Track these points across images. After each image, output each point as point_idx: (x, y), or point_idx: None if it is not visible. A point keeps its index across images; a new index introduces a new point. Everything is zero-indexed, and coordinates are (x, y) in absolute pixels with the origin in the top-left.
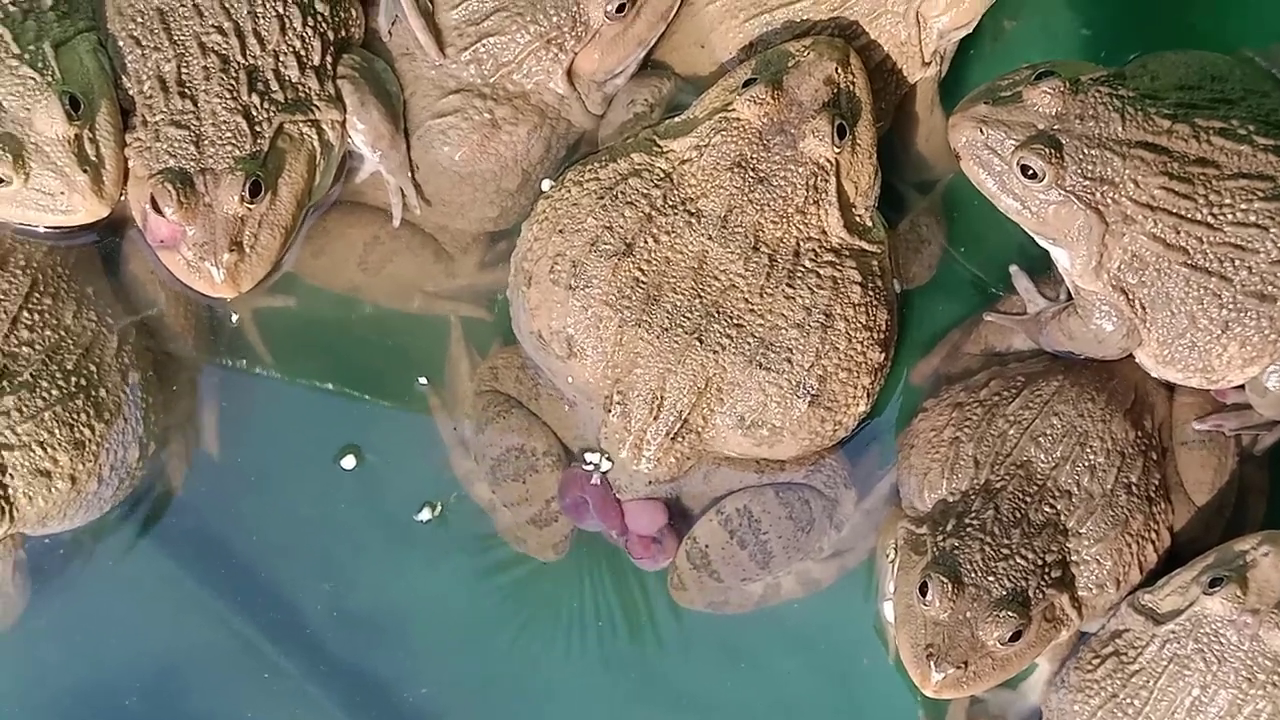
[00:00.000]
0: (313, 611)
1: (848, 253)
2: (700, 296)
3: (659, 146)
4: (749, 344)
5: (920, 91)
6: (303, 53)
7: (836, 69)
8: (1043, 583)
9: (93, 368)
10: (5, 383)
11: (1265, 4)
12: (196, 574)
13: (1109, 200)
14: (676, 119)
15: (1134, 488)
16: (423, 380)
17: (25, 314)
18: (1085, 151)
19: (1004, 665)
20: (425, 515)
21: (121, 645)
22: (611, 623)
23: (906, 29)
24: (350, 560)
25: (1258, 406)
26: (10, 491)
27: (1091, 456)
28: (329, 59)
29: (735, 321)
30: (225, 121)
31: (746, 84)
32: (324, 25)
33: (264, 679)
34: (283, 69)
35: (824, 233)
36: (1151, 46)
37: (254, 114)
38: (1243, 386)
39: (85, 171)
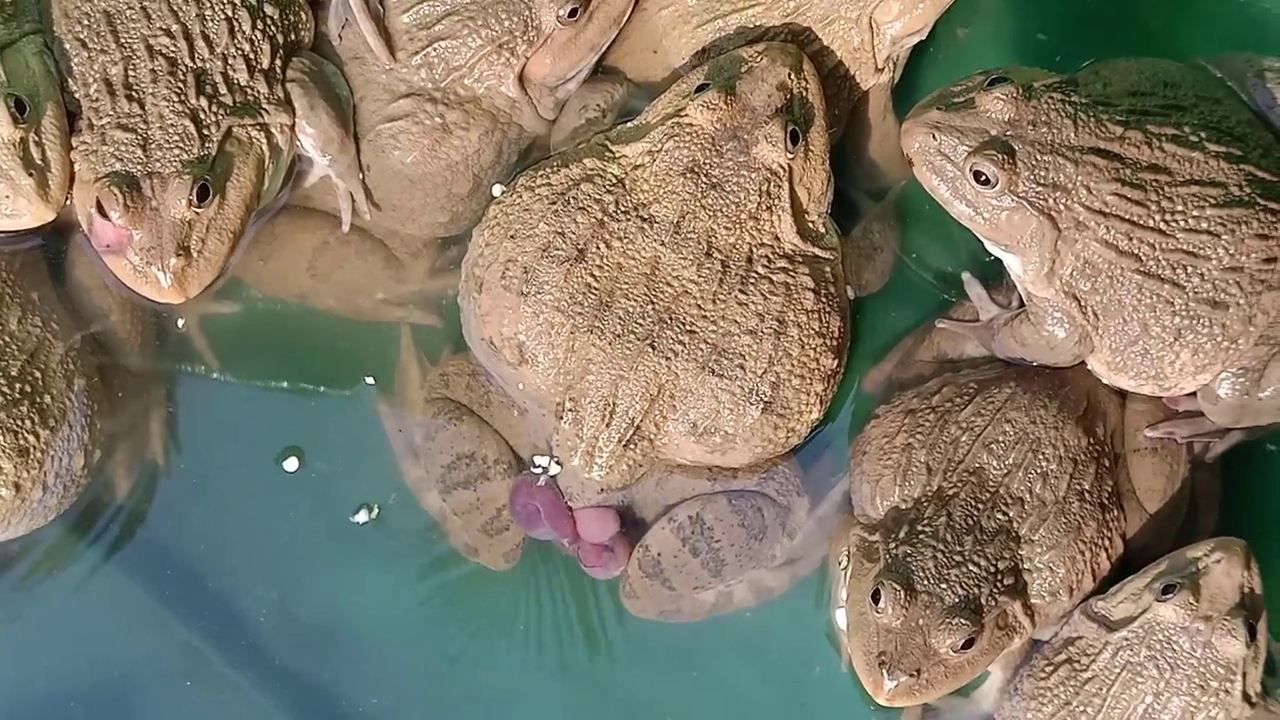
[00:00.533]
0: (261, 620)
1: (801, 259)
2: (653, 303)
3: (611, 152)
4: (702, 350)
5: (873, 98)
6: (251, 56)
7: (789, 75)
8: (995, 590)
9: (37, 374)
10: None
11: (1218, 11)
12: (143, 582)
13: (1061, 206)
14: (629, 124)
15: (1086, 495)
16: (369, 379)
17: None
18: (1038, 157)
19: (957, 673)
20: (362, 517)
21: (66, 654)
22: (563, 631)
23: (859, 35)
24: (299, 567)
25: (1209, 414)
26: None
27: (1044, 463)
28: (278, 62)
29: (688, 328)
30: (173, 125)
31: (699, 89)
32: (273, 28)
33: (212, 688)
34: (231, 72)
35: (777, 239)
36: (1105, 53)
37: (202, 117)
38: (1195, 394)
39: (30, 175)
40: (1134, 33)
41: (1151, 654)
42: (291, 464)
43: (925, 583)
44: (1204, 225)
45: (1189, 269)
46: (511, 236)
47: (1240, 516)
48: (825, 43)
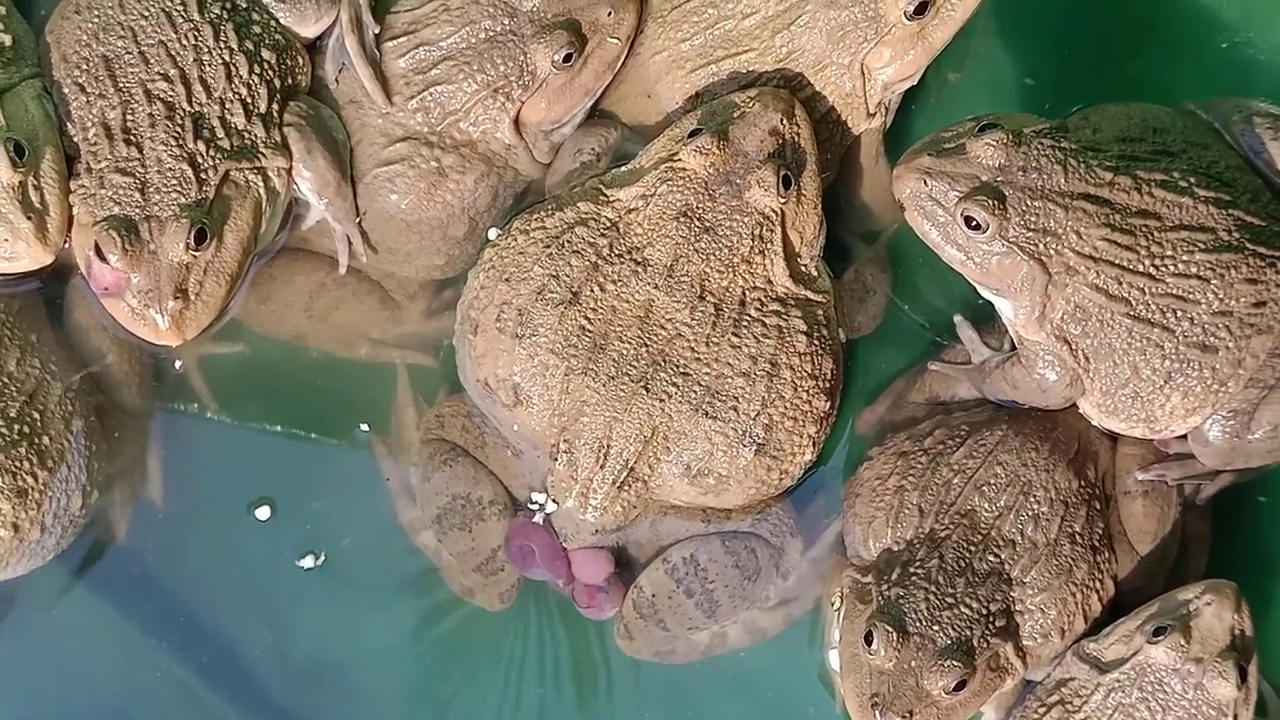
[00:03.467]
0: (256, 659)
1: (793, 302)
2: (646, 345)
3: (605, 195)
4: (695, 392)
5: (865, 142)
6: (249, 100)
7: (782, 120)
8: (987, 632)
9: (36, 415)
10: None
11: (1207, 57)
12: (140, 622)
13: (1051, 251)
14: (623, 168)
15: (1078, 537)
16: (364, 427)
17: None
18: (1028, 203)
19: (949, 714)
20: (308, 563)
21: (64, 693)
22: (558, 672)
23: (851, 81)
24: (294, 608)
25: (1200, 456)
26: None
27: (1035, 506)
28: (275, 107)
29: (681, 370)
30: (170, 169)
31: (692, 134)
32: (270, 73)
33: None
34: (229, 116)
35: (769, 282)
36: (1095, 99)
37: (200, 161)
38: (1185, 436)
39: (29, 218)
40: (1123, 78)
41: (1143, 695)
42: (264, 512)
43: (918, 624)
44: (1193, 270)
45: (1179, 313)
46: (506, 279)
47: (1231, 558)
48: (818, 88)
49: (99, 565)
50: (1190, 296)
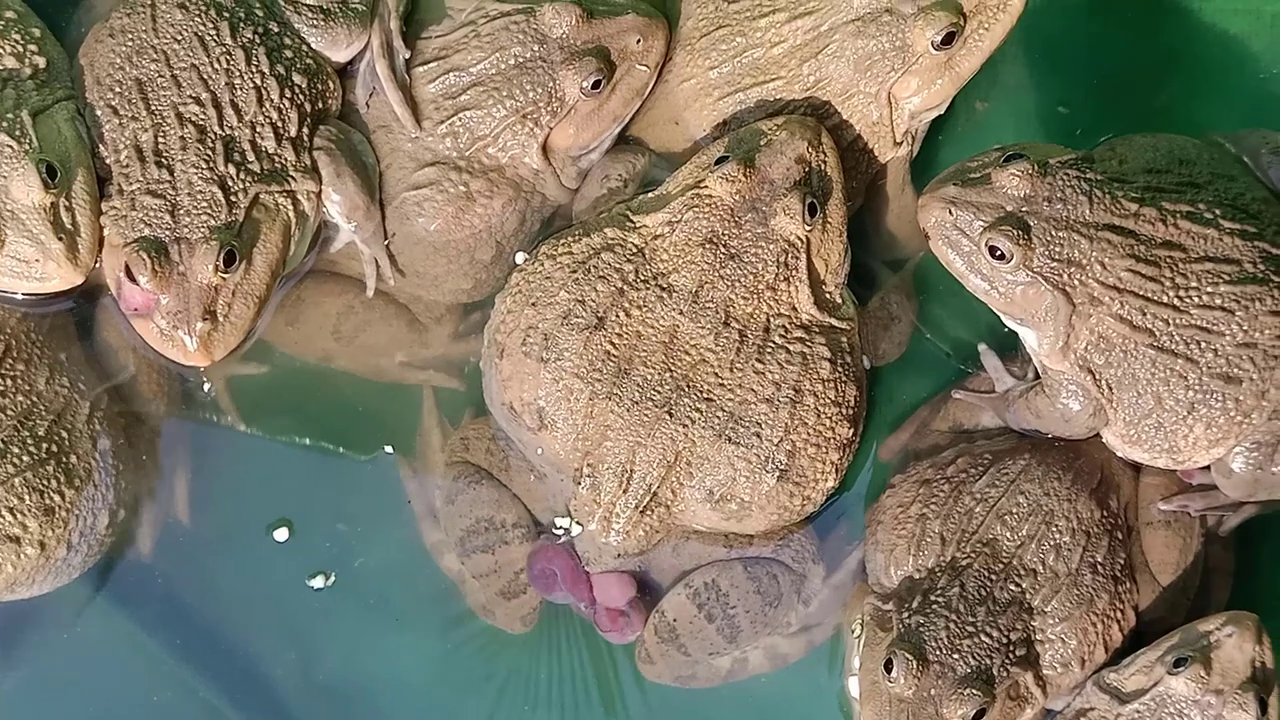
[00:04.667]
0: (280, 679)
1: (817, 329)
2: (671, 370)
3: (632, 221)
4: (718, 418)
5: (891, 171)
6: (280, 124)
7: (808, 148)
8: (1007, 661)
9: (64, 434)
10: None
11: (1234, 88)
12: (165, 640)
13: (1076, 282)
14: (650, 194)
15: (1099, 567)
16: (388, 449)
17: None
18: (1053, 233)
19: None
20: (319, 583)
21: (88, 711)
22: (579, 696)
23: (878, 109)
24: (318, 628)
25: (1223, 487)
26: None
27: (1057, 535)
28: (306, 130)
29: (705, 396)
30: (201, 191)
31: (719, 161)
32: (301, 97)
33: None
34: (259, 140)
35: (794, 309)
36: (1122, 129)
37: (230, 184)
38: (1208, 467)
39: (60, 239)
40: (1151, 109)
41: None
42: (282, 533)
43: (938, 653)
44: (1218, 301)
45: (1203, 344)
46: (533, 304)
47: (1253, 590)
48: (844, 116)
49: (125, 584)
50: (1214, 328)
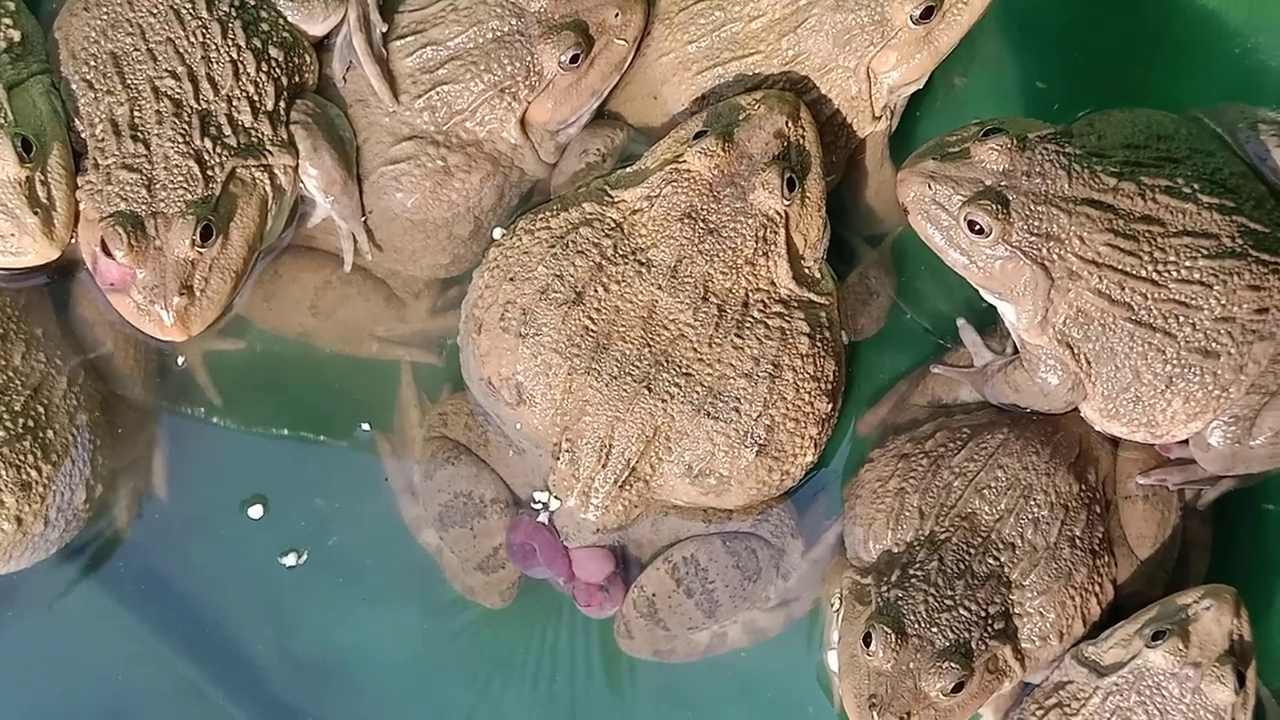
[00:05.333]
0: (259, 655)
1: (796, 304)
2: (649, 345)
3: (610, 196)
4: (697, 393)
5: (870, 145)
6: (256, 98)
7: (787, 122)
8: (985, 634)
9: (40, 409)
10: None
11: (1213, 64)
12: (142, 616)
13: (1054, 256)
14: (628, 169)
15: (1077, 541)
16: (365, 426)
17: None
18: (1031, 208)
19: (947, 716)
20: (290, 560)
21: (66, 688)
22: (557, 671)
23: (857, 84)
24: (297, 605)
25: (1201, 461)
26: None
27: (1035, 509)
28: (282, 104)
29: (684, 370)
30: (177, 165)
31: (698, 136)
32: (278, 71)
33: None
34: (236, 114)
35: (773, 284)
36: (1102, 104)
37: (206, 158)
38: (1187, 441)
39: (36, 214)
40: (1131, 83)
41: (1141, 699)
42: (256, 510)
43: (916, 626)
44: (1196, 276)
45: (1181, 319)
46: (511, 279)
47: (1231, 564)
48: (823, 91)
49: (102, 559)
50: (1193, 302)
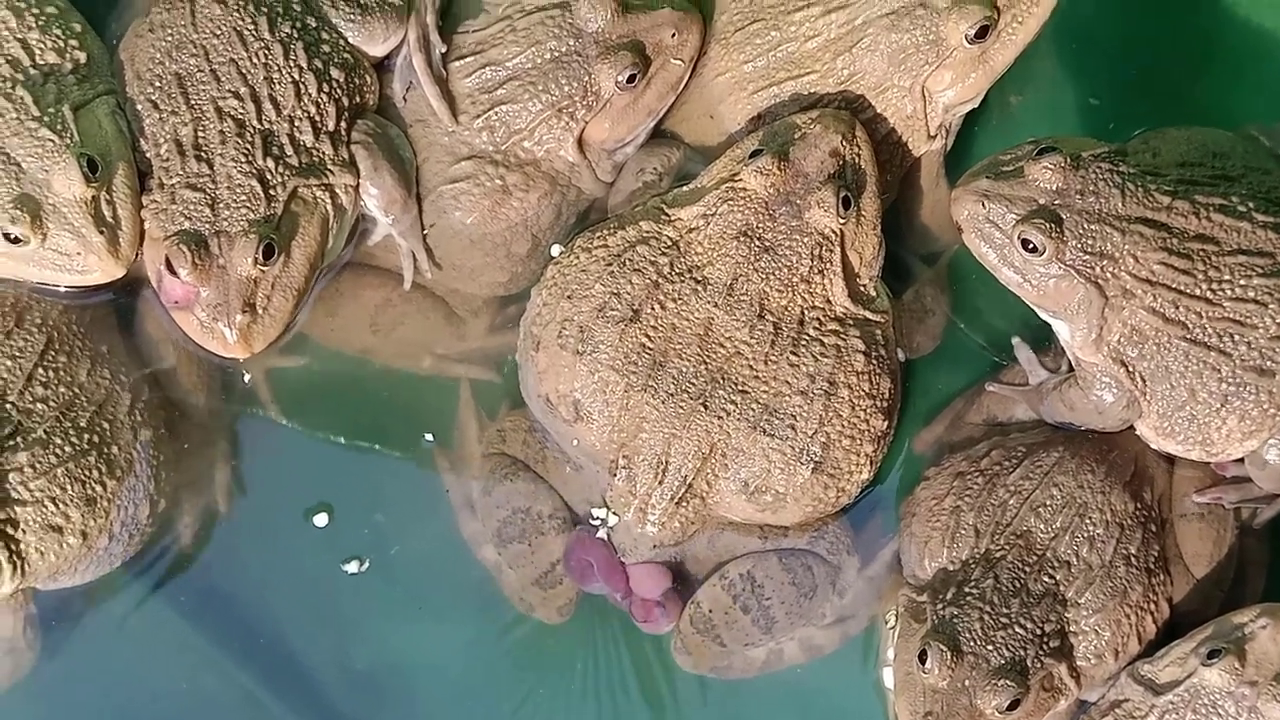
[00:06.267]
0: (318, 667)
1: (852, 321)
2: (705, 363)
3: (667, 215)
4: (753, 410)
5: (925, 164)
6: (318, 118)
7: (842, 141)
8: (1041, 652)
9: (105, 425)
10: (19, 439)
11: (1269, 81)
12: (204, 628)
13: (1108, 275)
14: (685, 188)
15: (1133, 559)
16: (429, 437)
17: (40, 371)
18: (1085, 226)
19: None
20: (353, 568)
21: (129, 699)
22: (614, 686)
23: (912, 103)
24: (357, 618)
25: (1257, 480)
26: (22, 546)
27: (1090, 528)
28: (344, 124)
29: (740, 388)
30: (240, 185)
31: (753, 155)
32: (339, 91)
33: None
34: (298, 134)
35: (829, 302)
36: (1156, 123)
37: (268, 178)
38: (1242, 460)
39: (102, 233)
40: (1186, 102)
41: (1197, 718)
42: (321, 519)
43: (972, 644)
44: (1251, 294)
45: (1236, 337)
46: (568, 296)
47: None
48: (878, 110)
49: (166, 573)
50: (1247, 321)
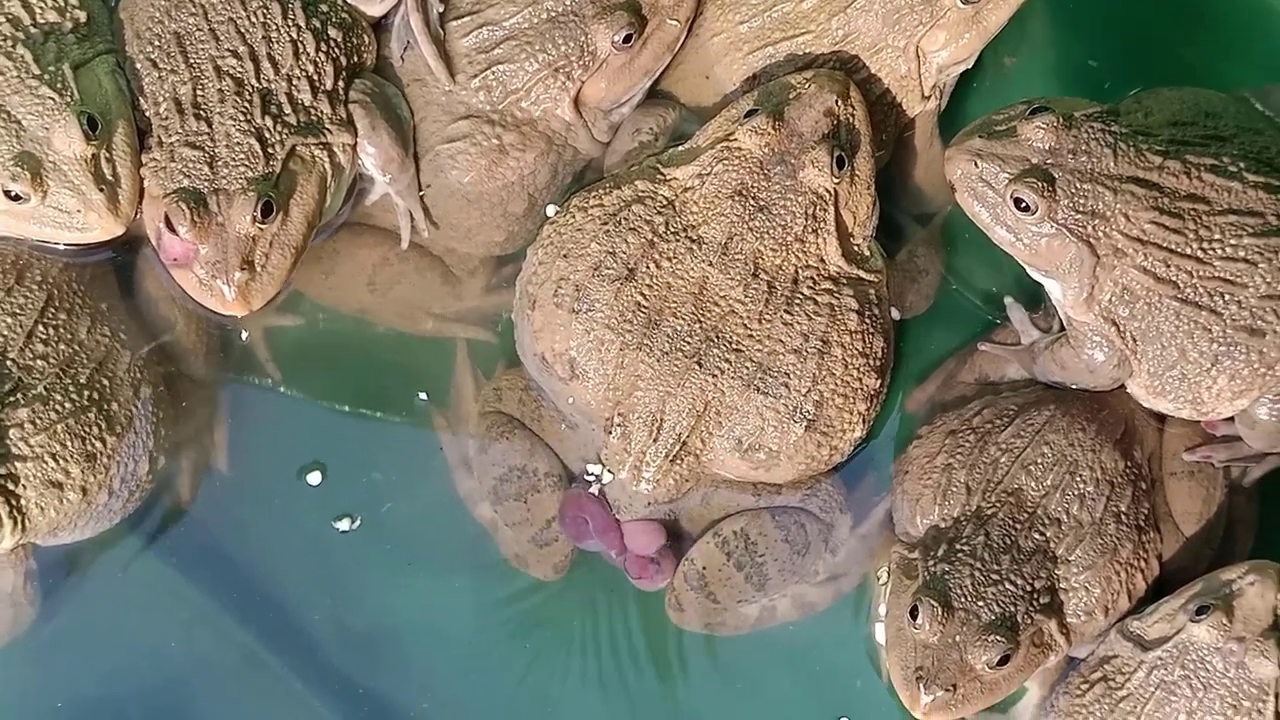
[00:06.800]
0: (316, 625)
1: (845, 281)
2: (700, 321)
3: (662, 174)
4: (747, 368)
5: (920, 124)
6: (315, 77)
7: (837, 101)
8: (1031, 608)
9: (105, 382)
10: (19, 395)
11: (1261, 45)
12: (203, 586)
13: (1100, 234)
14: (680, 148)
15: (1123, 516)
16: (422, 395)
17: (40, 328)
18: (1077, 186)
19: (992, 688)
20: (344, 525)
21: (128, 656)
22: (608, 642)
23: (906, 63)
24: (352, 574)
25: (1247, 438)
26: (23, 502)
27: (1081, 485)
28: (341, 84)
29: (734, 346)
30: (239, 143)
31: (749, 114)
32: (337, 51)
33: (267, 690)
34: (296, 93)
35: (822, 261)
36: (1151, 84)
37: (267, 136)
38: (1232, 418)
39: (101, 190)
40: (1180, 63)
41: (1185, 674)
42: (323, 472)
43: (962, 600)
44: (1241, 253)
45: (1226, 296)
46: (564, 255)
47: (1276, 541)
48: (873, 70)
49: (164, 529)
50: (1238, 280)
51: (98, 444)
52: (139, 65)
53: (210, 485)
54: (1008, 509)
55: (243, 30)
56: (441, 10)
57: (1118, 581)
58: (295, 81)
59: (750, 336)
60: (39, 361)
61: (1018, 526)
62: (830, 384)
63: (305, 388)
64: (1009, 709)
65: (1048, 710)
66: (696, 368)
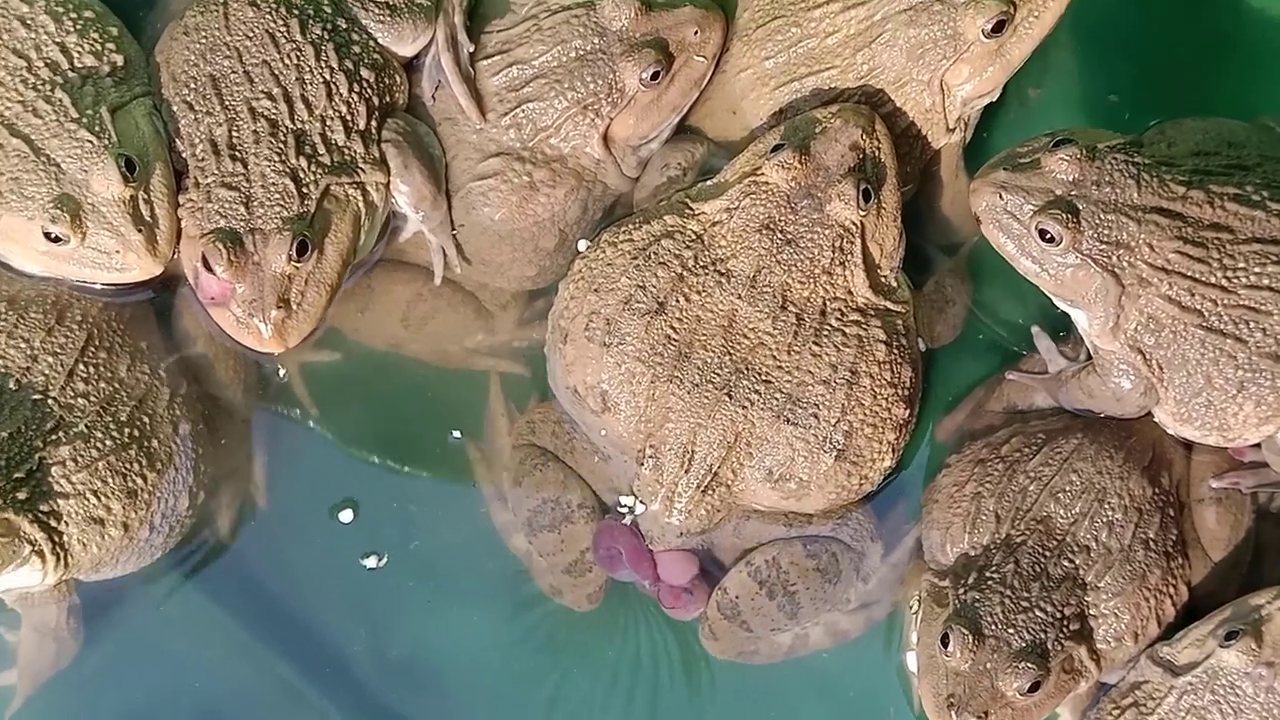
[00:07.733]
0: (355, 658)
1: (873, 312)
2: (730, 353)
3: (691, 209)
4: (777, 400)
5: (945, 157)
6: (349, 117)
7: (862, 135)
8: (1061, 635)
9: (145, 419)
10: (61, 433)
11: None
12: (242, 619)
13: (1125, 264)
14: (708, 182)
15: (1151, 543)
16: (456, 433)
17: (81, 367)
18: (1101, 216)
19: (1023, 715)
20: (371, 563)
21: (170, 688)
22: (643, 672)
23: (931, 97)
24: (388, 607)
25: (1274, 465)
26: (65, 538)
27: (1109, 512)
28: (374, 123)
29: (764, 378)
30: (274, 183)
31: (775, 149)
32: (369, 91)
33: None
34: (329, 133)
35: (850, 293)
36: (1172, 114)
37: (301, 176)
38: (1259, 445)
39: (140, 231)
40: (1202, 92)
41: (1215, 699)
42: (346, 515)
43: (993, 627)
44: (1265, 282)
45: (1251, 324)
46: (595, 290)
47: None
48: (898, 104)
49: (205, 564)
50: (1263, 308)
51: (139, 480)
52: (175, 107)
53: (249, 520)
54: (1037, 536)
55: (277, 72)
56: (472, 50)
57: (1147, 607)
58: (329, 122)
59: (779, 368)
60: (80, 400)
61: (1047, 554)
62: (859, 414)
63: (342, 422)
64: None
65: None
66: (727, 399)
